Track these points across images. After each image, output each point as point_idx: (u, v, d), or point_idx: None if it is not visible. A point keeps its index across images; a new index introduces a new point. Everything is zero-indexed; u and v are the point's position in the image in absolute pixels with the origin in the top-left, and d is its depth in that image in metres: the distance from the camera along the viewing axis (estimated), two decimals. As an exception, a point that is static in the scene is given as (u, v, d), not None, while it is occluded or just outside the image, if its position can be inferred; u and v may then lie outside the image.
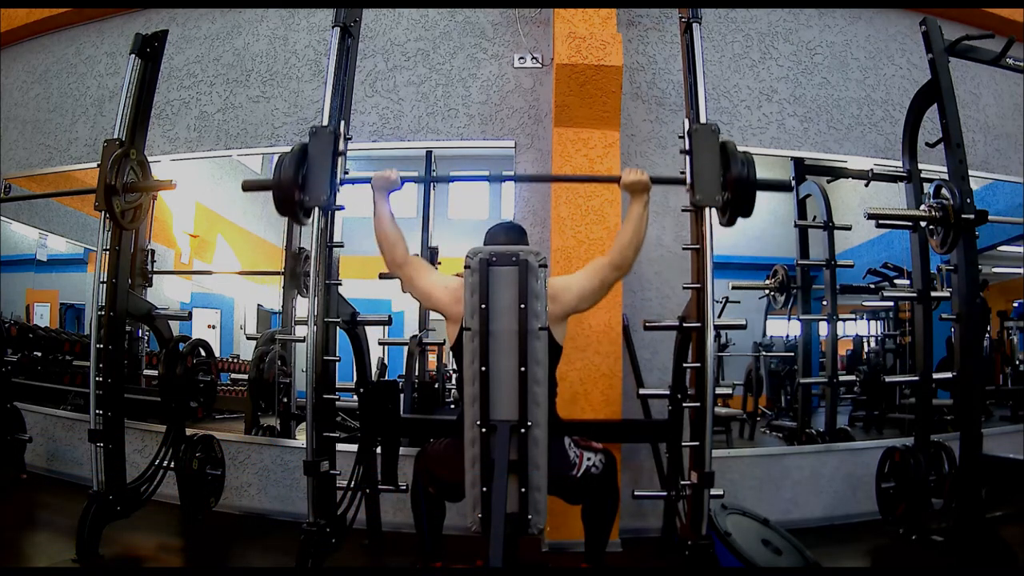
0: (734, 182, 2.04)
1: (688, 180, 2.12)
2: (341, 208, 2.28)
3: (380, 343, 3.36)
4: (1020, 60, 2.71)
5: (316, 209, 2.16)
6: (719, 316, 2.74)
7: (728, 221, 2.15)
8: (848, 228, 3.47)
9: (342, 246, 2.30)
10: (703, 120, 2.16)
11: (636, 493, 2.39)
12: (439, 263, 3.51)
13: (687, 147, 2.14)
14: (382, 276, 3.37)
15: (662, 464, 2.72)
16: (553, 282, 2.07)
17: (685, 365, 2.27)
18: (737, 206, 2.07)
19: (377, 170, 2.15)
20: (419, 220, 3.61)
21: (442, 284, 2.11)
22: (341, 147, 2.23)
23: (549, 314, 1.85)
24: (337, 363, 2.29)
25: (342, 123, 2.28)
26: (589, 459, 2.03)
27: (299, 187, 2.12)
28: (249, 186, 2.34)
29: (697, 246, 2.17)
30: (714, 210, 2.11)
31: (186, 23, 3.65)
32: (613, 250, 2.07)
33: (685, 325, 2.23)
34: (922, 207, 2.57)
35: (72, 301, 4.16)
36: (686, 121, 2.19)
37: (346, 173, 2.27)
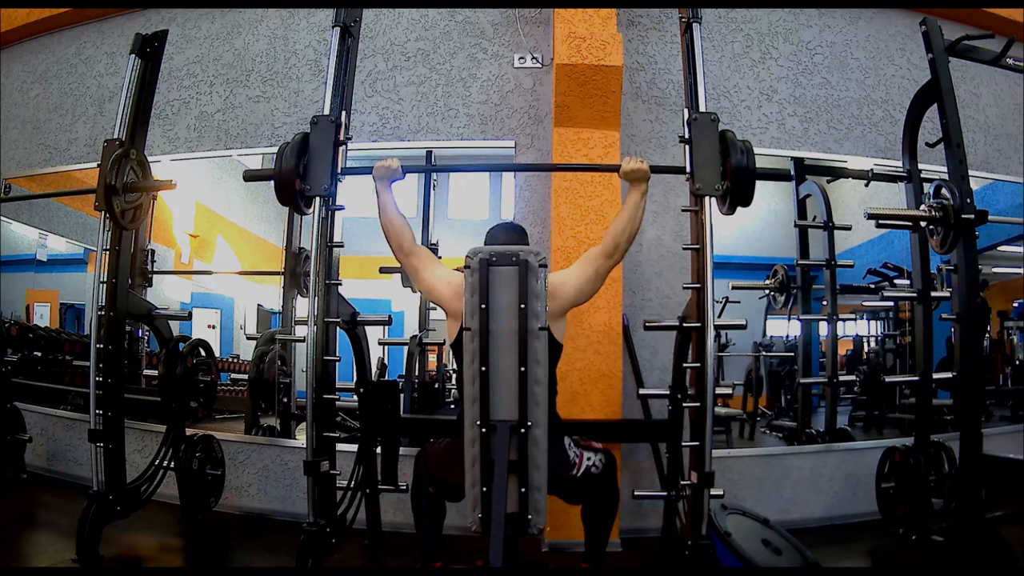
0: (734, 171, 2.05)
1: (688, 169, 2.13)
2: (341, 208, 2.28)
3: (380, 343, 3.36)
4: (1020, 60, 2.71)
5: (317, 202, 2.17)
6: (719, 316, 2.74)
7: (728, 210, 2.15)
8: (848, 228, 3.47)
9: (342, 246, 2.30)
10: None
11: (636, 493, 2.40)
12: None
13: (687, 136, 2.15)
14: (382, 270, 3.40)
15: (662, 464, 2.72)
16: (551, 278, 2.07)
17: (685, 365, 2.27)
18: (737, 195, 2.08)
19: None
20: (419, 219, 3.62)
21: (445, 279, 2.11)
22: (342, 137, 2.24)
23: (549, 312, 1.85)
24: (337, 363, 2.30)
25: (343, 113, 2.29)
26: (589, 459, 2.03)
27: (300, 176, 2.14)
28: (250, 176, 2.36)
29: (697, 246, 2.17)
30: (714, 199, 2.11)
31: (186, 23, 3.65)
32: (606, 238, 2.07)
33: (685, 325, 2.23)
34: (922, 207, 2.57)
35: (72, 301, 4.16)
36: (686, 110, 2.20)
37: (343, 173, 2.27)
